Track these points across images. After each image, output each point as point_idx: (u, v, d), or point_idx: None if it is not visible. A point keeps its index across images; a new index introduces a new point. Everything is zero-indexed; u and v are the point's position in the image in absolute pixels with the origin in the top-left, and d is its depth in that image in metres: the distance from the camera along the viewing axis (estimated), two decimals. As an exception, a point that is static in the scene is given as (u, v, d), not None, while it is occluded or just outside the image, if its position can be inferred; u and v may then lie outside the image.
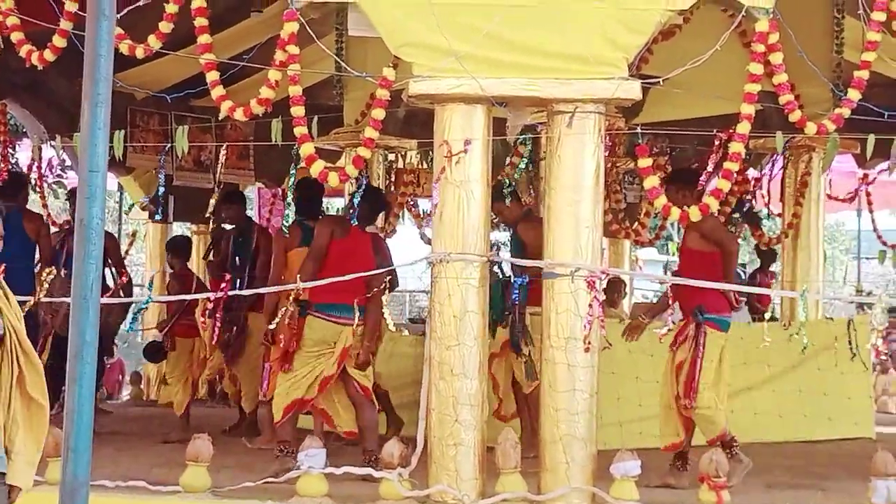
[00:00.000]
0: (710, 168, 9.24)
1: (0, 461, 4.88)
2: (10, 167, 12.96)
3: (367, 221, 9.77)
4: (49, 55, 8.84)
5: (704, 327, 8.85)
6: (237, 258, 11.31)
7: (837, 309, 20.15)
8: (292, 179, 9.79)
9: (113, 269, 11.27)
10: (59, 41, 8.73)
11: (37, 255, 11.15)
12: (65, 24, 8.62)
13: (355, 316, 9.03)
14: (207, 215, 13.33)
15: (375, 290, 9.14)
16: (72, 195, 12.50)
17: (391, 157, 13.97)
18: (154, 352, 12.16)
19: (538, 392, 9.47)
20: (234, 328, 10.97)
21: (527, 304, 9.65)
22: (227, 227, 12.00)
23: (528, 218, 10.27)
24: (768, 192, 13.98)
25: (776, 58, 8.01)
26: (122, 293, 10.93)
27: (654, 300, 16.94)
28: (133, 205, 15.50)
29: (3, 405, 4.77)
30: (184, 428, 11.04)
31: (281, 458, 8.96)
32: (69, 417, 3.16)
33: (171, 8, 8.46)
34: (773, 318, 13.69)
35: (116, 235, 14.80)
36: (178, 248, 12.35)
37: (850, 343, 11.89)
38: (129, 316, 11.50)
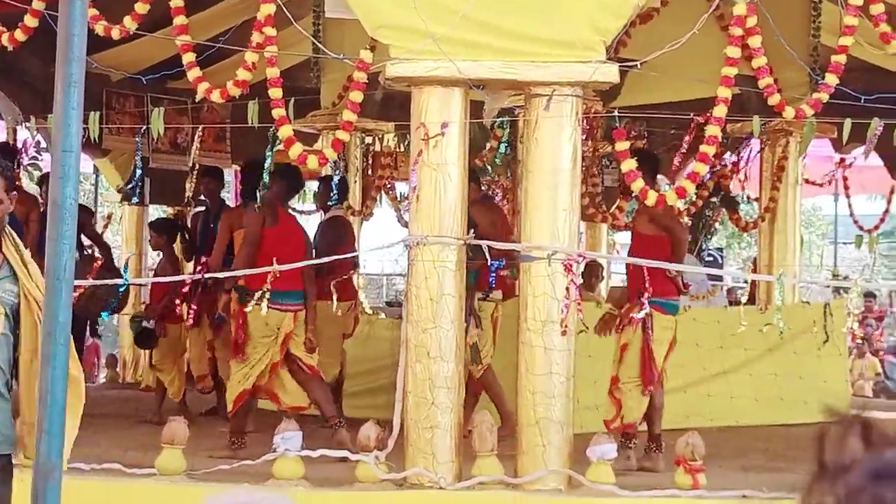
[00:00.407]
0: (683, 149, 9.26)
1: (4, 442, 5.00)
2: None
3: (285, 200, 9.93)
4: (20, 35, 8.79)
5: (650, 311, 8.89)
6: (207, 239, 11.26)
7: (814, 293, 20.23)
8: (268, 161, 9.73)
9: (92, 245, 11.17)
10: (30, 21, 8.68)
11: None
12: (37, 4, 8.57)
13: (298, 301, 9.33)
14: (186, 198, 13.33)
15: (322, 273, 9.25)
16: (42, 180, 12.42)
17: (368, 139, 13.95)
18: (146, 338, 11.88)
19: (487, 375, 9.55)
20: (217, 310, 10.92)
21: (476, 289, 9.66)
22: (197, 209, 11.98)
23: (483, 202, 10.30)
24: (745, 176, 13.99)
25: (754, 41, 8.02)
26: (104, 271, 10.83)
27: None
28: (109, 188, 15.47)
29: (26, 382, 4.88)
30: (183, 412, 10.92)
31: (232, 450, 9.08)
32: (42, 399, 3.15)
33: (146, -12, 8.43)
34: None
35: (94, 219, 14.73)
36: (165, 231, 12.20)
37: (825, 327, 11.93)
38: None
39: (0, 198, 5.06)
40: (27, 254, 5.09)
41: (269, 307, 9.15)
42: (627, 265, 9.68)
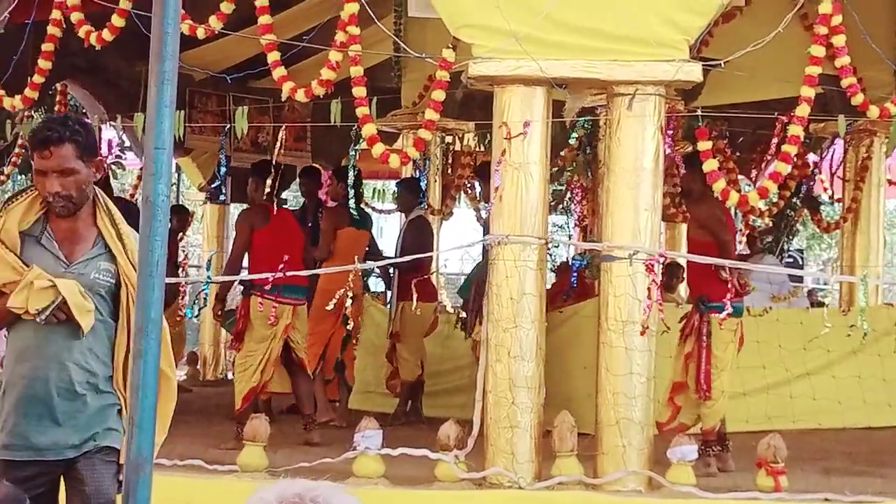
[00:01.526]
0: (771, 152, 9.18)
1: (114, 437, 4.71)
2: None
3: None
4: (108, 35, 8.88)
5: (708, 317, 8.82)
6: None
7: (896, 295, 20.00)
8: (352, 160, 9.85)
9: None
10: (117, 21, 8.77)
11: None
12: (124, 4, 8.65)
13: (300, 296, 9.78)
14: (269, 196, 13.41)
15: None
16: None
17: (448, 139, 13.96)
18: None
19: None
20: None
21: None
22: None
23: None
24: (831, 176, 13.85)
25: (839, 40, 7.93)
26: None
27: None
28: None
29: (119, 373, 4.61)
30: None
31: (236, 442, 9.23)
32: (133, 394, 3.18)
33: (231, -12, 8.49)
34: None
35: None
36: None
37: (909, 329, 11.78)
38: (188, 300, 11.49)
39: (73, 166, 4.56)
40: (124, 226, 4.69)
41: (269, 300, 9.70)
42: (687, 271, 9.60)
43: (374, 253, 11.58)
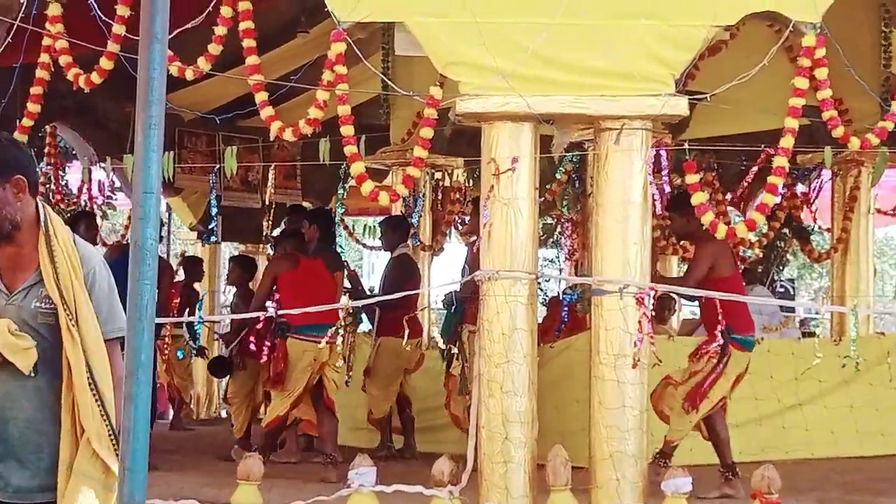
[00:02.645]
0: (747, 180, 9.22)
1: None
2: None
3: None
4: (96, 78, 8.90)
5: (730, 348, 8.91)
6: None
7: (888, 323, 20.03)
8: (339, 199, 9.94)
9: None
10: (106, 64, 8.79)
11: None
12: (112, 47, 8.68)
13: (329, 333, 9.87)
14: (265, 236, 13.52)
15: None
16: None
17: (438, 175, 13.99)
18: (219, 366, 12.05)
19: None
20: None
21: (463, 321, 9.97)
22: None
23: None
24: (816, 207, 13.90)
25: (821, 73, 7.98)
26: None
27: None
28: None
29: (67, 418, 4.12)
30: (245, 448, 11.03)
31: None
32: (125, 437, 3.18)
33: (219, 30, 8.51)
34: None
35: (165, 256, 14.90)
36: (245, 267, 12.53)
37: (901, 359, 11.79)
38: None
39: None
40: (64, 246, 4.22)
41: (303, 339, 10.08)
42: (701, 301, 9.65)
43: (356, 290, 11.67)
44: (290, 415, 10.48)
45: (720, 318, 8.88)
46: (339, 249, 12.24)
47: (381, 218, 12.72)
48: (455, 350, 10.51)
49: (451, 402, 10.63)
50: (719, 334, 8.94)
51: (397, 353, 11.24)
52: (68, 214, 11.87)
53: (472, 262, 10.03)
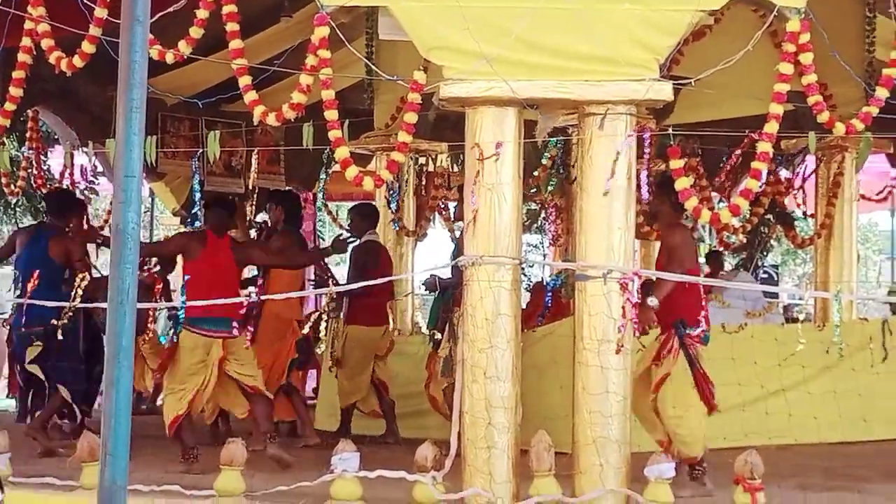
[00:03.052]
0: (729, 166, 9.21)
1: None
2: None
3: (218, 231, 10.18)
4: (78, 61, 8.85)
5: (689, 339, 8.78)
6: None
7: (871, 309, 20.07)
8: (321, 184, 9.90)
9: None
10: (88, 47, 8.74)
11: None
12: (94, 30, 8.63)
13: (228, 328, 9.67)
14: (248, 220, 13.48)
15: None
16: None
17: (422, 160, 13.97)
18: None
19: (450, 389, 9.63)
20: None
21: (454, 305, 9.86)
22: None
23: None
24: (801, 192, 13.91)
25: (806, 58, 7.96)
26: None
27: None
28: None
29: None
30: (216, 434, 11.04)
31: (188, 464, 9.56)
32: (106, 422, 3.17)
33: (201, 13, 8.47)
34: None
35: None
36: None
37: (884, 344, 11.82)
38: (162, 323, 11.47)
39: None
40: None
41: (196, 332, 9.64)
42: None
43: (325, 276, 11.70)
44: (209, 409, 10.30)
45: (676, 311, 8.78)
46: (319, 234, 12.28)
47: (367, 203, 12.72)
48: (438, 335, 10.52)
49: (431, 383, 10.63)
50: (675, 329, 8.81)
51: (366, 342, 11.38)
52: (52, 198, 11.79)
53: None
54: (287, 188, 13.31)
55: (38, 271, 10.31)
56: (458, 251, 10.15)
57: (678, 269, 8.69)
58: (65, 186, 12.97)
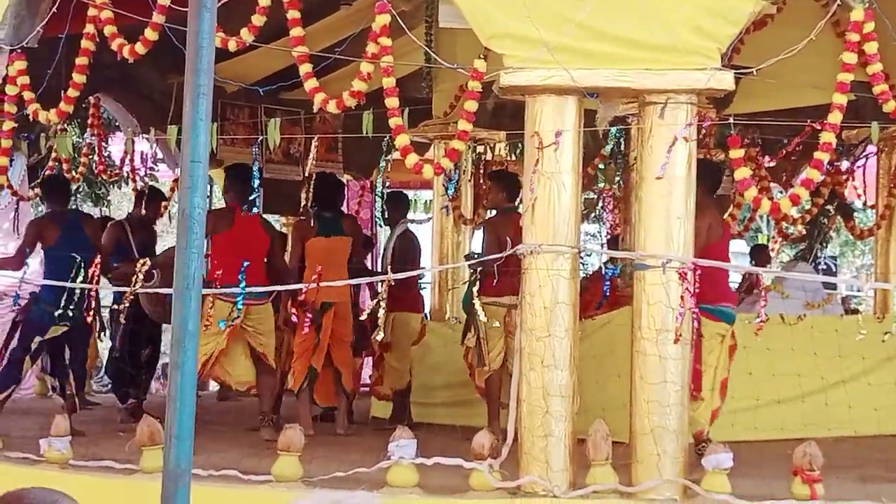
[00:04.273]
0: (792, 153, 9.15)
1: None
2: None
3: (242, 203, 10.71)
4: (140, 48, 8.91)
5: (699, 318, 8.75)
6: None
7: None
8: (382, 171, 9.94)
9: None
10: (150, 34, 8.79)
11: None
12: (157, 18, 8.69)
13: (255, 296, 10.08)
14: (303, 207, 13.53)
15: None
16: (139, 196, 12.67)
17: (480, 149, 13.97)
18: None
19: (493, 378, 10.25)
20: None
21: (480, 294, 9.89)
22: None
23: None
24: (862, 183, 13.81)
25: (871, 47, 7.90)
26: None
27: (744, 294, 16.78)
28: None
29: None
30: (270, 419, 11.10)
31: None
32: (171, 405, 3.20)
33: (263, 1, 8.51)
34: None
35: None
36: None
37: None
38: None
39: None
40: None
41: (217, 298, 10.02)
42: None
43: (356, 259, 11.82)
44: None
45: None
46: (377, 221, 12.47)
47: (424, 191, 12.80)
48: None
49: (475, 375, 10.66)
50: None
51: (409, 328, 11.77)
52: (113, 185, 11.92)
53: (486, 238, 10.36)
54: (321, 171, 13.31)
55: (96, 257, 10.38)
56: (486, 239, 10.30)
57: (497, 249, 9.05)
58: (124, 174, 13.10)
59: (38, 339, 10.66)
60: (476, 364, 10.37)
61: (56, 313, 10.52)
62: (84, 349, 11.12)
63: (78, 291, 10.37)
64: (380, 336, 9.32)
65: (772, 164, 13.26)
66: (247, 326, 10.31)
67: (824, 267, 18.99)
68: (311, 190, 11.68)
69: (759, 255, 15.28)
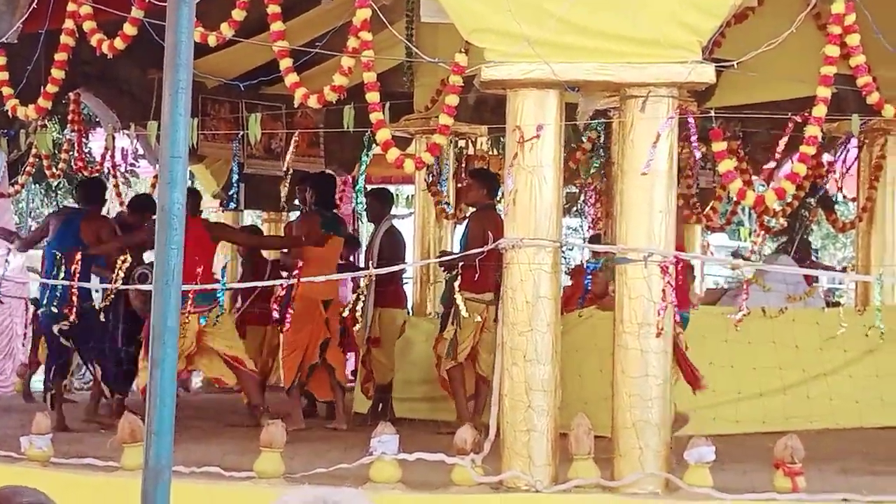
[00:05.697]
0: (779, 150, 9.16)
1: None
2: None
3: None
4: (119, 43, 8.88)
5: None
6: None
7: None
8: (363, 167, 9.90)
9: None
10: (129, 29, 8.77)
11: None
12: (136, 13, 8.66)
13: (204, 304, 10.04)
14: (282, 203, 13.52)
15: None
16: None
17: (461, 143, 13.95)
18: None
19: (454, 372, 10.30)
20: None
21: (461, 289, 10.01)
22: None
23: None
24: (842, 176, 13.83)
25: (853, 39, 7.91)
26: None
27: (726, 286, 16.86)
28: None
29: None
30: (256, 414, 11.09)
31: None
32: (151, 401, 3.18)
33: (243, -4, 8.49)
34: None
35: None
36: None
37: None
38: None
39: None
40: None
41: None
42: None
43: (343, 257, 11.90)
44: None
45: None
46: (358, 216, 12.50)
47: (406, 186, 12.80)
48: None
49: (440, 365, 10.69)
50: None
51: (395, 323, 11.81)
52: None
53: (471, 233, 10.34)
54: (320, 170, 13.34)
55: (79, 254, 10.35)
56: (467, 234, 10.32)
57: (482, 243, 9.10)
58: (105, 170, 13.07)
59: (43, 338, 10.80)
60: (445, 355, 10.38)
61: (40, 311, 10.57)
62: (91, 342, 10.99)
63: (60, 288, 10.36)
64: (356, 328, 9.33)
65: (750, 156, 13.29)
66: (206, 332, 10.34)
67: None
68: (311, 188, 11.56)
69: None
